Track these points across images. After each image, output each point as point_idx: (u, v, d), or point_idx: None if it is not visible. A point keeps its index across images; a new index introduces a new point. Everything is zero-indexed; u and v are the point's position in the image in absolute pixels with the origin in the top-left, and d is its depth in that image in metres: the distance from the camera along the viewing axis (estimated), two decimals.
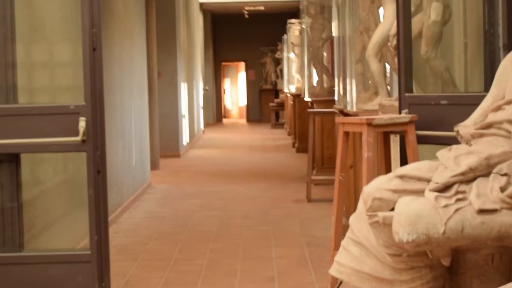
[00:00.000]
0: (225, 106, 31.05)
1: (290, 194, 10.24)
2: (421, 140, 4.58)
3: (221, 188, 10.95)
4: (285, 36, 22.02)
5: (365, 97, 7.09)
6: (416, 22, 5.17)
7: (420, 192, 3.14)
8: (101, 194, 4.61)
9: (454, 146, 3.36)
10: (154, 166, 12.33)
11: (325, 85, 12.57)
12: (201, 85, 22.00)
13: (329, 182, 9.98)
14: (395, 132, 4.67)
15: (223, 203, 9.60)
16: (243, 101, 30.75)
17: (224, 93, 30.96)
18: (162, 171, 12.95)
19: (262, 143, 18.81)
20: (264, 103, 28.09)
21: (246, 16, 25.55)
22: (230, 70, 31.20)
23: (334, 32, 13.14)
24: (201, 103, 21.56)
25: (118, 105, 8.74)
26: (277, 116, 25.27)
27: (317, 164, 11.04)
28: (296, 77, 18.24)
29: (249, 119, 29.18)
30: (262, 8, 25.33)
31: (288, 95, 20.46)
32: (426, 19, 5.07)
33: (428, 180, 3.15)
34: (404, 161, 4.71)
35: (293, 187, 10.88)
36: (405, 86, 4.76)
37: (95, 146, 4.60)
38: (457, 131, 3.53)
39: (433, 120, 4.55)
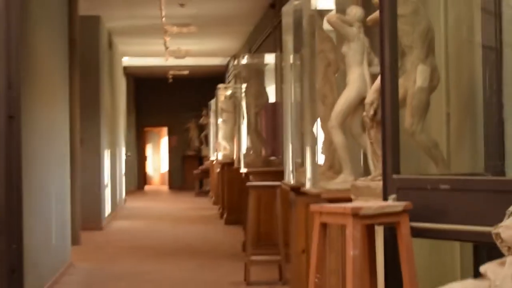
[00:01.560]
0: (146, 173, 29.97)
1: (225, 275, 9.31)
2: (416, 233, 3.75)
3: (148, 268, 9.94)
4: (211, 101, 21.26)
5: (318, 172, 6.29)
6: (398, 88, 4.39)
7: None
8: None
9: (509, 260, 2.52)
10: (75, 241, 11.24)
11: (260, 153, 11.80)
12: (123, 151, 20.98)
13: (267, 262, 9.12)
14: (385, 224, 3.83)
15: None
16: (165, 167, 29.73)
17: (146, 159, 29.90)
18: (84, 247, 11.87)
19: (187, 213, 17.83)
20: (187, 170, 27.11)
21: (170, 80, 24.71)
22: (153, 136, 30.21)
23: (273, 98, 12.45)
24: (123, 170, 20.52)
25: (37, 178, 7.73)
26: (201, 184, 24.31)
27: (253, 241, 10.14)
28: (222, 144, 17.39)
29: (172, 186, 28.14)
30: (186, 72, 24.53)
31: (214, 162, 19.60)
32: (410, 84, 4.29)
33: None
34: (391, 259, 3.87)
35: (227, 266, 9.96)
36: (392, 166, 3.95)
37: (10, 238, 3.63)
38: (497, 234, 2.70)
39: (430, 208, 3.74)
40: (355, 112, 5.42)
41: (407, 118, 4.25)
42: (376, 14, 4.46)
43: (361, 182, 4.61)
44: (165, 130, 29.30)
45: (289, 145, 7.02)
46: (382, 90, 4.00)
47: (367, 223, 3.74)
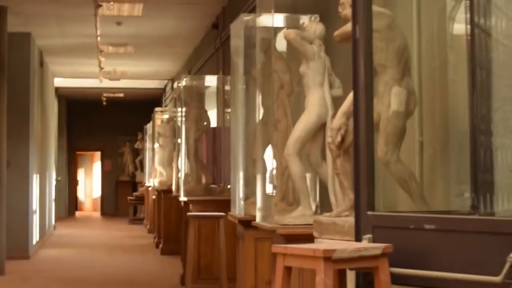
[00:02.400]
0: (78, 198, 29.04)
1: None
2: (396, 280, 3.23)
3: None
4: (147, 125, 20.59)
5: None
6: None
7: None
8: None
9: None
10: None
11: (200, 180, 11.21)
12: (53, 175, 20.15)
13: None
14: (361, 269, 3.30)
15: None
16: (97, 193, 28.84)
17: (78, 184, 28.99)
18: (9, 277, 11.10)
19: (121, 242, 17.09)
20: (121, 196, 26.28)
21: (104, 103, 23.96)
22: (85, 160, 29.32)
23: (216, 122, 11.88)
24: (53, 196, 19.68)
25: None
26: (135, 211, 23.47)
27: (192, 274, 9.53)
28: (159, 169, 16.73)
29: (104, 213, 27.24)
30: (121, 95, 23.84)
31: (150, 189, 18.92)
32: (384, 108, 3.78)
33: None
34: None
35: None
36: (366, 201, 3.42)
37: None
38: None
39: (413, 251, 3.22)
40: (314, 138, 4.89)
41: (380, 146, 3.74)
42: (345, 28, 3.95)
43: (326, 218, 4.07)
44: (98, 154, 28.46)
45: (237, 174, 6.46)
46: (355, 114, 3.48)
47: (340, 267, 3.20)
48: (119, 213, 25.85)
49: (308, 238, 4.47)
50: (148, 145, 20.35)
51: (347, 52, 5.36)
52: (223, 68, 11.98)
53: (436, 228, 3.18)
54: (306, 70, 4.86)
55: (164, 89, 23.17)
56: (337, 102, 4.92)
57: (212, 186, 11.25)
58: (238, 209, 6.32)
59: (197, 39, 14.49)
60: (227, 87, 11.29)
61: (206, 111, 11.24)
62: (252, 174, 6.39)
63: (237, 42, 6.42)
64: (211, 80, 11.52)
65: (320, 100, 4.83)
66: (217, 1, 11.68)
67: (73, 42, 14.89)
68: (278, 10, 5.60)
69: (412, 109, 3.83)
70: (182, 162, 10.74)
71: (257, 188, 6.01)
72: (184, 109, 11.36)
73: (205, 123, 11.27)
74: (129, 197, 23.22)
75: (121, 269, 12.40)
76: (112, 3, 11.08)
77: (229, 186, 11.11)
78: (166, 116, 16.73)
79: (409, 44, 3.91)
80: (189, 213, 8.79)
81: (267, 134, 6.06)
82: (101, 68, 16.42)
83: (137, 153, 25.62)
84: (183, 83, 11.08)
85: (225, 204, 9.85)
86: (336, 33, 3.98)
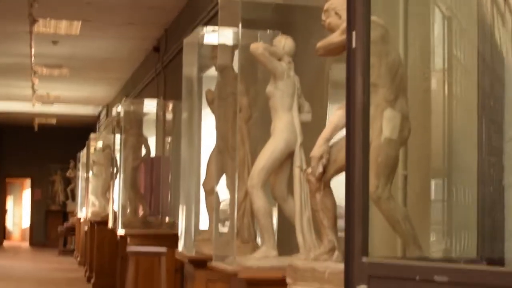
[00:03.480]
0: (6, 227, 27.86)
1: None
2: None
3: None
4: (81, 153, 19.75)
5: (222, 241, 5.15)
6: None
7: None
8: None
9: None
10: None
11: (137, 212, 10.52)
12: None
13: None
14: None
15: None
16: (26, 222, 27.72)
17: (6, 212, 27.83)
18: None
19: (51, 275, 16.17)
20: (51, 226, 25.24)
21: (36, 129, 23.02)
22: (14, 187, 28.18)
23: (155, 151, 11.20)
24: None
25: None
26: (65, 242, 22.46)
27: None
28: (91, 199, 15.92)
29: (33, 243, 26.12)
30: (54, 121, 22.96)
31: (82, 220, 18.07)
32: (374, 135, 3.21)
33: None
34: None
35: None
36: (361, 245, 2.82)
37: None
38: None
39: None
40: (280, 169, 4.29)
41: (370, 179, 3.15)
42: (332, 39, 3.37)
43: (301, 262, 3.46)
44: (28, 181, 27.39)
45: (186, 207, 5.82)
46: (349, 141, 2.87)
47: None
48: (49, 244, 24.80)
49: (274, 284, 3.87)
50: (81, 173, 19.50)
51: (313, 71, 4.82)
52: (164, 93, 11.34)
53: (449, 280, 2.59)
54: (273, 90, 4.26)
55: (98, 116, 22.38)
56: (305, 128, 4.34)
57: (149, 218, 10.57)
58: (187, 247, 5.67)
59: (136, 62, 13.83)
60: (168, 115, 10.66)
61: (146, 139, 10.57)
62: (202, 208, 5.76)
63: (190, 59, 5.80)
64: (151, 105, 10.87)
65: (288, 125, 4.23)
66: (159, 23, 11.07)
67: (5, 62, 14.08)
68: (233, 24, 5.01)
69: (406, 136, 3.27)
70: (119, 193, 10.02)
71: (211, 223, 5.41)
72: (121, 137, 10.68)
73: (145, 152, 10.61)
74: (60, 228, 22.25)
75: None
76: (49, 19, 10.37)
77: (167, 219, 10.47)
78: (101, 144, 15.97)
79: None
80: (128, 248, 8.09)
81: (222, 163, 5.46)
82: (34, 91, 15.61)
83: (69, 181, 24.70)
84: (121, 107, 10.40)
85: (165, 239, 9.19)
86: (320, 44, 3.39)
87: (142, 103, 10.94)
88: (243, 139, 5.14)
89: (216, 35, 5.51)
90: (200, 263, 5.25)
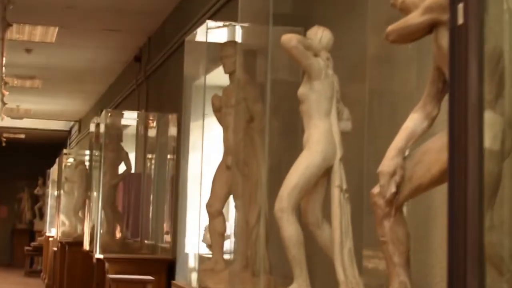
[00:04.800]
0: None
1: None
2: None
3: None
4: (51, 170, 18.81)
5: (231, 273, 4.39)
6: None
7: None
8: None
9: None
10: None
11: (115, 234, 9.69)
12: None
13: None
14: None
15: None
16: None
17: None
18: None
19: None
20: (17, 245, 24.14)
21: (4, 144, 22.00)
22: None
23: (134, 167, 10.37)
24: None
25: None
26: (32, 262, 21.39)
27: None
28: (61, 218, 14.99)
29: None
30: (22, 136, 22.00)
31: (51, 239, 17.11)
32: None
33: None
34: None
35: None
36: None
37: None
38: None
39: None
40: (314, 189, 3.51)
41: None
42: (408, 20, 2.61)
43: None
44: None
45: (185, 231, 5.03)
46: (452, 150, 2.11)
47: None
48: (14, 264, 23.72)
49: None
50: (50, 191, 18.56)
51: (348, 71, 4.05)
52: (146, 105, 10.53)
53: None
54: (307, 92, 3.49)
55: (69, 131, 21.48)
56: (343, 139, 3.58)
57: (128, 240, 9.75)
58: (186, 277, 4.87)
59: (114, 74, 13.01)
60: (151, 129, 9.86)
61: (127, 154, 9.75)
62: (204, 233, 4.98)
63: (192, 59, 5.02)
64: (132, 118, 10.07)
65: (326, 135, 3.46)
66: (143, 30, 10.27)
67: None
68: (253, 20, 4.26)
69: (509, 149, 2.50)
70: (97, 213, 9.17)
71: (216, 251, 4.64)
72: (100, 151, 9.84)
73: (125, 168, 9.78)
74: (26, 247, 21.22)
75: None
76: (22, 24, 9.53)
77: (146, 241, 9.64)
78: (71, 160, 15.07)
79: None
80: (110, 276, 7.24)
81: (230, 181, 4.69)
82: (3, 104, 14.68)
83: (37, 199, 23.69)
84: (101, 120, 9.58)
85: (147, 264, 8.37)
86: (392, 27, 2.62)
87: (122, 115, 10.12)
88: (255, 152, 4.38)
89: (223, 31, 4.76)
90: None
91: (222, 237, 4.89)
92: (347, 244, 3.34)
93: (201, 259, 4.88)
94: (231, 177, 4.74)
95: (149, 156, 9.94)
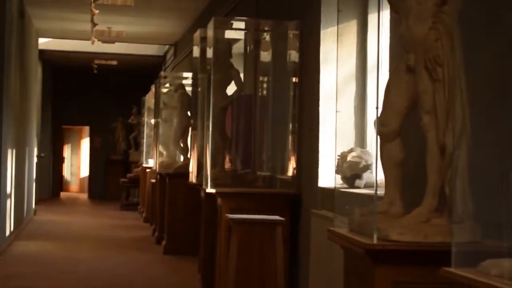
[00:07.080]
0: (64, 177, 26.10)
1: None
2: None
3: None
4: (146, 97, 17.72)
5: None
6: None
7: None
8: None
9: None
10: None
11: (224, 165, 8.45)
12: (35, 151, 17.30)
13: None
14: None
15: None
16: (85, 172, 25.92)
17: (64, 161, 26.05)
18: None
19: (114, 233, 14.23)
20: (111, 177, 23.31)
21: (95, 71, 21.00)
22: (72, 135, 26.30)
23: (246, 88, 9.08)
24: (34, 175, 16.83)
25: None
26: (127, 194, 20.42)
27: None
28: (160, 148, 13.83)
29: (92, 195, 24.25)
30: (114, 62, 20.93)
31: (148, 171, 16.11)
32: None
33: None
34: None
35: None
36: None
37: None
38: None
39: None
40: None
41: None
42: None
43: None
44: (87, 129, 25.52)
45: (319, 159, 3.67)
46: None
47: None
48: (109, 196, 22.96)
49: None
50: (146, 119, 17.48)
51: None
52: (257, 13, 9.08)
53: None
54: None
55: (164, 57, 20.28)
56: None
57: (241, 171, 8.48)
58: (357, 225, 3.52)
59: None
60: (265, 42, 8.47)
61: (238, 72, 8.43)
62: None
63: None
64: (243, 28, 8.64)
65: None
66: None
67: None
68: None
69: None
70: (208, 141, 7.89)
71: (392, 188, 3.29)
72: (210, 68, 8.39)
73: (236, 88, 8.49)
74: (122, 179, 20.31)
75: (116, 274, 9.62)
76: None
77: (259, 173, 8.39)
78: (168, 85, 13.84)
79: None
80: (230, 216, 5.95)
81: (413, 89, 3.32)
82: (94, 25, 13.48)
83: (131, 129, 22.72)
84: (209, 28, 8.20)
85: (267, 199, 7.11)
86: None
87: (231, 25, 8.70)
88: (453, 46, 2.99)
89: None
90: (384, 256, 3.15)
91: (400, 167, 3.54)
92: None
93: (366, 199, 3.53)
94: (414, 83, 3.38)
95: (262, 75, 8.62)
